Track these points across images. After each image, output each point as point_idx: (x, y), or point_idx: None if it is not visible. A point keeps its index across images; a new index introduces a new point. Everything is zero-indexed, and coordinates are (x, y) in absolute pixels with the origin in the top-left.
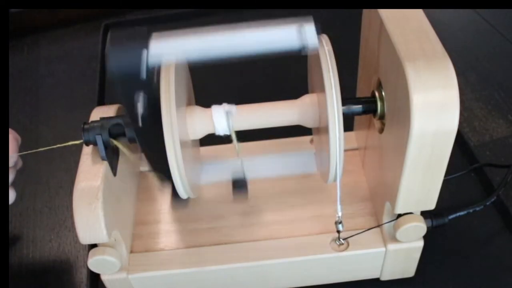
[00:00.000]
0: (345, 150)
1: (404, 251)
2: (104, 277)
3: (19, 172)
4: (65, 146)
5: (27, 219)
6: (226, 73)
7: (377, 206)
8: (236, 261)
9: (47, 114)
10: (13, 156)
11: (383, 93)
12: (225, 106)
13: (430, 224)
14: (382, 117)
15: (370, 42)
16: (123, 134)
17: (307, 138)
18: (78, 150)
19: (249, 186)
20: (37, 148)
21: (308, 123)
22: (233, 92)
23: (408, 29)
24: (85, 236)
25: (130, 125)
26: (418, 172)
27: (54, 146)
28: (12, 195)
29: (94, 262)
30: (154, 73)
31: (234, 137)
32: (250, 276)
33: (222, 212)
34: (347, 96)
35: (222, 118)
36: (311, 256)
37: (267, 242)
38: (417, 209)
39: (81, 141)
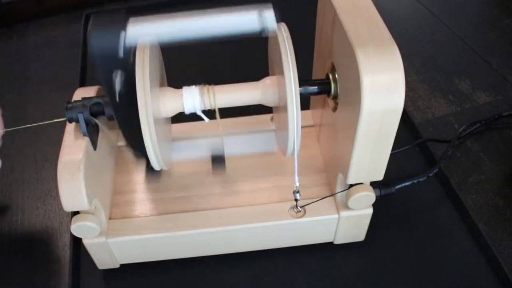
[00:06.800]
0: (302, 127)
1: (355, 218)
2: (85, 241)
3: (7, 147)
4: (49, 124)
5: (16, 189)
6: (194, 57)
7: (331, 177)
8: (204, 226)
9: (34, 95)
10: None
11: (336, 76)
12: (195, 88)
13: (378, 194)
14: (335, 97)
15: (325, 29)
16: (103, 113)
17: (268, 116)
18: (62, 127)
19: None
20: (25, 125)
21: (268, 102)
22: (200, 74)
23: (359, 17)
24: (68, 204)
25: (109, 104)
26: (368, 147)
27: (42, 123)
28: None
29: (76, 228)
30: (131, 54)
31: (204, 115)
32: (217, 240)
33: (192, 182)
34: (304, 78)
35: (191, 98)
36: (271, 222)
37: (232, 209)
38: (367, 180)
39: (65, 118)
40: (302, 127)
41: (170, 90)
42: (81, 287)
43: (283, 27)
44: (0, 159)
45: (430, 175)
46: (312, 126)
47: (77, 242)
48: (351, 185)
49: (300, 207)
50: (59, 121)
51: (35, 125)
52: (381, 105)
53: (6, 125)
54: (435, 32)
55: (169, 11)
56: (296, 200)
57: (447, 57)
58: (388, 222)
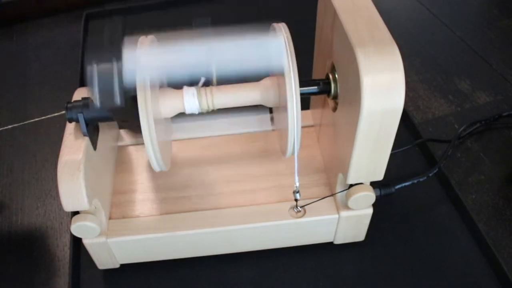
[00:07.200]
0: (302, 127)
1: (355, 218)
2: (85, 241)
3: (7, 146)
4: (51, 124)
5: (16, 189)
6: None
7: (331, 177)
8: (204, 226)
9: (34, 95)
10: None
11: (336, 76)
12: (195, 88)
13: (378, 194)
14: (335, 97)
15: (325, 29)
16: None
17: (268, 116)
18: (62, 126)
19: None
20: (26, 126)
21: (269, 103)
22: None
23: (359, 17)
24: (68, 204)
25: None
26: (368, 147)
27: (39, 118)
28: None
29: (76, 228)
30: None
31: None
32: (217, 240)
33: (192, 182)
34: (304, 78)
35: (192, 98)
36: (271, 222)
37: (232, 209)
38: (367, 180)
39: (63, 112)
40: (302, 127)
41: (170, 91)
42: (81, 287)
43: (283, 27)
44: None
45: (430, 175)
46: (312, 126)
47: (77, 242)
48: (351, 185)
49: (300, 207)
50: (58, 120)
51: (34, 121)
52: (381, 105)
53: (5, 125)
54: (435, 32)
55: (168, 11)
56: (296, 200)
57: (447, 57)
58: (388, 222)
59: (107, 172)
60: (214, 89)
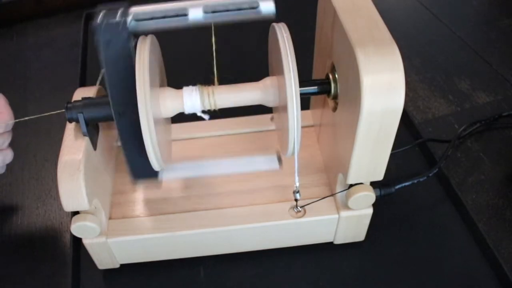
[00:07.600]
0: (302, 127)
1: (355, 218)
2: (85, 241)
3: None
4: (51, 124)
5: (16, 189)
6: (194, 57)
7: (331, 177)
8: (204, 226)
9: (34, 95)
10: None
11: (336, 76)
12: (195, 88)
13: (378, 194)
14: (335, 97)
15: (325, 29)
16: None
17: (268, 116)
18: (62, 126)
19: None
20: (26, 125)
21: (269, 103)
22: (200, 74)
23: (359, 17)
24: (68, 204)
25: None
26: (368, 147)
27: (40, 115)
28: (10, 154)
29: (76, 228)
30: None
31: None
32: (217, 240)
33: (192, 182)
34: (304, 78)
35: (191, 98)
36: (271, 222)
37: (232, 209)
38: (367, 180)
39: (63, 110)
40: (302, 127)
41: (170, 90)
42: (81, 287)
43: (283, 27)
44: (12, 151)
45: (430, 175)
46: (312, 126)
47: (77, 242)
48: (351, 185)
49: (300, 207)
50: (58, 117)
51: (35, 117)
52: (381, 105)
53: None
54: (435, 32)
55: None
56: (296, 200)
57: (447, 57)
58: (388, 222)
59: (107, 172)
60: (214, 89)
